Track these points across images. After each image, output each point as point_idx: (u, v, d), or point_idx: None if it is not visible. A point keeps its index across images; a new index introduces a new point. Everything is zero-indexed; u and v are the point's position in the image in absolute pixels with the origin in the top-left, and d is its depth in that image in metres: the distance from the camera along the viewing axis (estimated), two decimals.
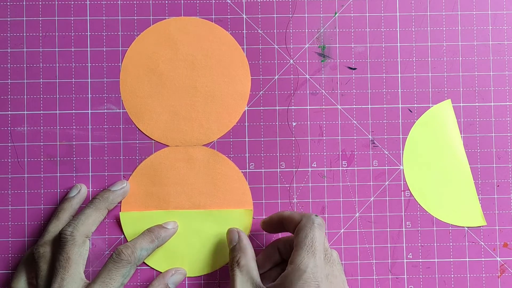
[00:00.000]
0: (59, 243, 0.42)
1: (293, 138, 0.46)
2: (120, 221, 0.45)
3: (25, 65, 0.46)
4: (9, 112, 0.46)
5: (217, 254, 0.45)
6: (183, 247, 0.45)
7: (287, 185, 0.46)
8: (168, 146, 0.46)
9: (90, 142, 0.46)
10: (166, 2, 0.46)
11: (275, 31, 0.46)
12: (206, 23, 0.46)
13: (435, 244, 0.46)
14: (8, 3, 0.46)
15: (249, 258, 0.42)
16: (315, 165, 0.46)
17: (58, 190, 0.45)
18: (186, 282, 0.45)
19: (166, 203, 0.45)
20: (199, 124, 0.46)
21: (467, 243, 0.46)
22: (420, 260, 0.46)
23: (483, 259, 0.46)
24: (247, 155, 0.46)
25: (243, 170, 0.46)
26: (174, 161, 0.46)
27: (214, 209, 0.45)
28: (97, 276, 0.41)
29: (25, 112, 0.46)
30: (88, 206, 0.44)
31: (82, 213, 0.43)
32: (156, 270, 0.45)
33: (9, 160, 0.45)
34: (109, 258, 0.42)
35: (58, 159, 0.46)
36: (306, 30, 0.46)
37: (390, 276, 0.46)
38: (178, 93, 0.46)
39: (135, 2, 0.46)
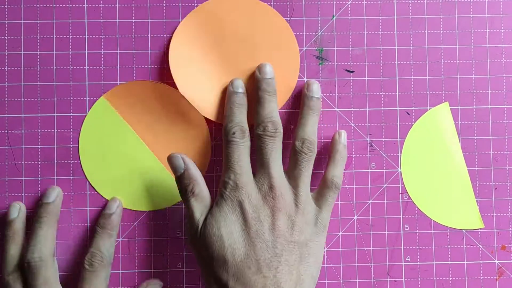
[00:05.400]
0: (31, 270, 0.41)
1: (291, 141, 0.46)
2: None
3: (22, 68, 0.46)
4: (7, 115, 0.45)
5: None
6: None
7: None
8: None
9: None
10: (164, 5, 0.46)
11: None
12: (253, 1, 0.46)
13: (433, 247, 0.46)
14: (6, 6, 0.46)
15: (201, 185, 0.42)
16: (313, 168, 0.46)
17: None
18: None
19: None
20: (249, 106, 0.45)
21: (465, 246, 0.46)
22: (418, 263, 0.46)
23: (481, 261, 0.46)
24: None
25: None
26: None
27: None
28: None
29: (23, 115, 0.46)
30: (40, 226, 0.43)
31: (38, 234, 0.42)
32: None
33: (6, 163, 0.45)
34: (82, 270, 0.42)
35: (55, 162, 0.45)
36: (304, 33, 0.47)
37: (388, 279, 0.46)
38: (230, 74, 0.46)
39: (133, 4, 0.46)
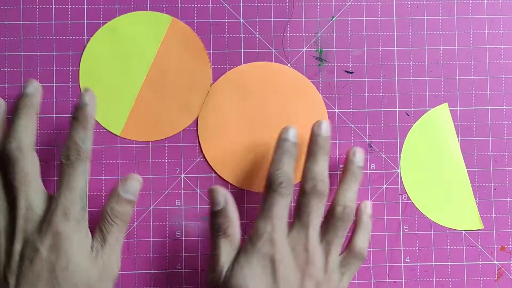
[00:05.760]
0: (9, 161, 0.39)
1: None
2: None
3: (22, 69, 0.46)
4: (6, 116, 0.45)
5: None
6: None
7: None
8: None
9: None
10: (164, 6, 0.46)
11: (272, 35, 0.47)
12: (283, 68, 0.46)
13: (433, 248, 0.46)
14: (6, 7, 0.46)
15: (236, 227, 0.41)
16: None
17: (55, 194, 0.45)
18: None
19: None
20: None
21: (464, 247, 0.46)
22: (418, 264, 0.46)
23: (480, 262, 0.46)
24: None
25: None
26: None
27: None
28: (59, 184, 0.40)
29: None
30: (18, 117, 0.41)
31: (17, 124, 0.40)
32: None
33: None
34: (61, 164, 0.40)
35: (55, 163, 0.45)
36: (304, 34, 0.47)
37: (387, 280, 0.46)
38: (254, 140, 0.46)
39: (132, 6, 0.46)
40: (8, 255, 0.39)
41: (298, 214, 0.41)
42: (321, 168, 0.42)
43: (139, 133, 0.46)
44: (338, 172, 0.46)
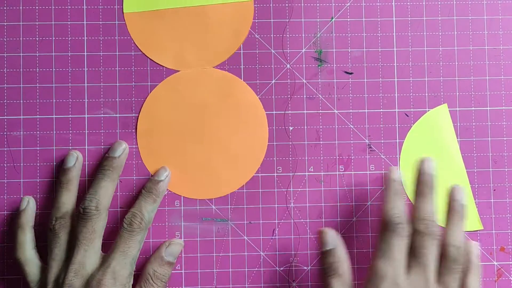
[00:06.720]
0: (83, 217, 0.42)
1: (290, 143, 0.46)
2: None
3: (21, 70, 0.46)
4: (5, 117, 0.45)
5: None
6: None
7: (284, 190, 0.46)
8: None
9: (86, 147, 0.46)
10: None
11: (271, 35, 0.47)
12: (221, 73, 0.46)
13: None
14: (5, 8, 0.46)
15: (347, 267, 0.42)
16: (312, 170, 0.46)
17: (54, 195, 0.45)
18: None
19: None
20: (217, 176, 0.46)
21: None
22: None
23: (480, 263, 0.46)
24: None
25: None
26: None
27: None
28: (115, 247, 0.42)
29: (21, 117, 0.46)
30: (102, 178, 0.43)
31: (100, 186, 0.43)
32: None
33: (5, 165, 0.45)
34: (121, 228, 0.42)
35: (54, 163, 0.45)
36: (303, 35, 0.47)
37: None
38: (196, 145, 0.46)
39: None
40: None
41: (414, 255, 0.41)
42: (431, 207, 0.42)
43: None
44: (337, 173, 0.46)
